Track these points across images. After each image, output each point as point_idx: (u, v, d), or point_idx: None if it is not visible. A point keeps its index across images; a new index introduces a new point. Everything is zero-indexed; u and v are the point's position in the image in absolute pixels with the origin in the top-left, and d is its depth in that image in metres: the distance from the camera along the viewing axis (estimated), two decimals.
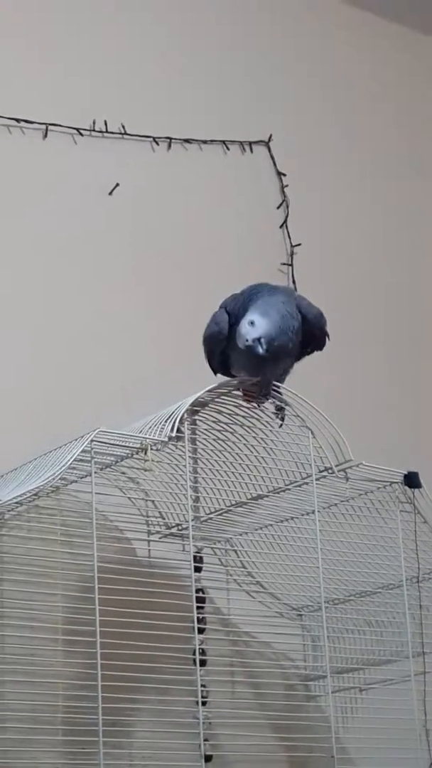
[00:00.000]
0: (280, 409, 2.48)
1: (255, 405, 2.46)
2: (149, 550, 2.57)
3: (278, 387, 2.45)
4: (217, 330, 2.44)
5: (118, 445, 2.29)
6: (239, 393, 2.45)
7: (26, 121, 2.84)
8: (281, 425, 2.47)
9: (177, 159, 3.08)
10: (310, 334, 2.46)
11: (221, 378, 2.49)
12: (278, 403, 2.47)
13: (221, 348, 2.45)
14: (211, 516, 2.55)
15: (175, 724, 2.38)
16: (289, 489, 2.52)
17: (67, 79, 2.95)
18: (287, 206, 3.25)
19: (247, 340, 2.35)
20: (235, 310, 2.43)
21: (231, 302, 2.46)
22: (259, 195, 3.23)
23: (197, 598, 2.35)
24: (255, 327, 2.36)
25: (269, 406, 2.48)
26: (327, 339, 2.50)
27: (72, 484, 2.34)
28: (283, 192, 3.25)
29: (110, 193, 2.95)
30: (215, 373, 2.51)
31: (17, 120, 2.83)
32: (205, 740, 2.29)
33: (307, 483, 2.50)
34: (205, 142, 3.14)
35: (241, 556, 2.69)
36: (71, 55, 2.98)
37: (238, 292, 2.48)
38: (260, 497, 2.53)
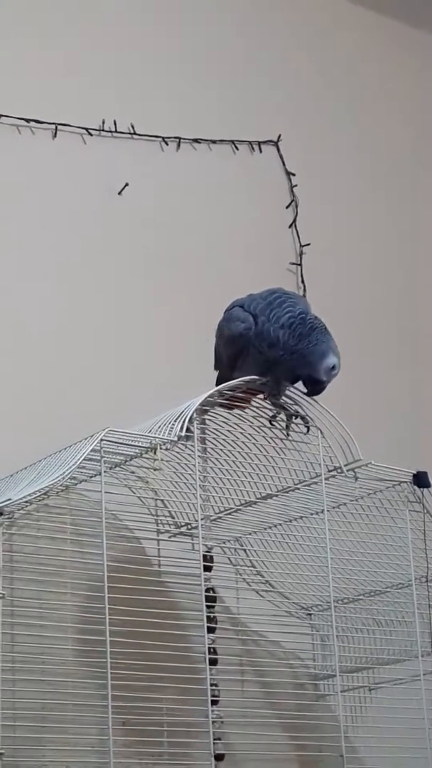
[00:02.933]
0: (290, 417, 2.47)
1: (261, 401, 2.46)
2: (159, 549, 2.57)
3: (289, 388, 2.45)
4: (246, 327, 2.43)
5: (127, 444, 2.30)
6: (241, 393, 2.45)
7: (36, 121, 2.84)
8: (288, 434, 2.48)
9: (186, 159, 3.08)
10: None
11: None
12: (291, 410, 2.47)
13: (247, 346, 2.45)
14: (220, 515, 2.55)
15: (186, 723, 2.38)
16: (298, 488, 2.52)
17: (76, 79, 2.95)
18: (296, 206, 3.25)
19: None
20: (256, 311, 2.43)
21: (249, 302, 2.46)
22: (268, 195, 3.24)
23: (207, 597, 2.35)
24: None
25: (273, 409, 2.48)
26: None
27: (81, 483, 2.35)
28: (292, 192, 3.26)
29: (120, 193, 2.95)
30: (230, 374, 2.48)
31: (27, 120, 2.83)
32: (216, 739, 2.30)
33: (316, 482, 2.50)
34: (214, 141, 3.14)
35: (251, 556, 2.69)
36: (80, 55, 2.98)
37: (254, 294, 2.48)
38: (269, 497, 2.53)
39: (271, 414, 2.47)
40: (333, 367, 2.42)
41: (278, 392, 2.45)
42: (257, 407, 2.48)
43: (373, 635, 2.67)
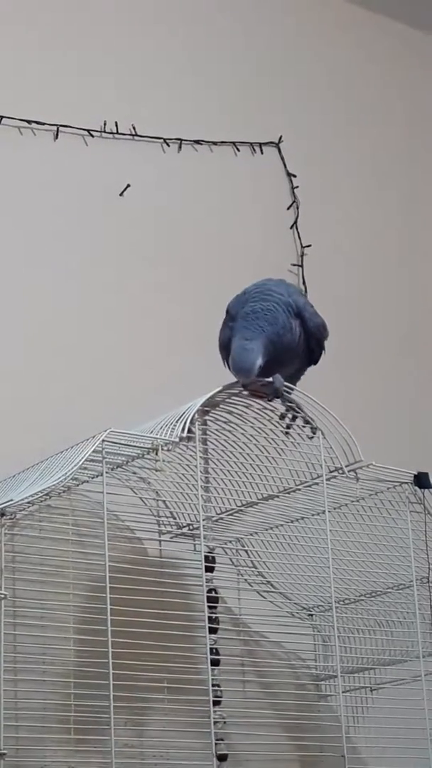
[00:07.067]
0: (295, 418, 2.48)
1: (263, 402, 2.47)
2: (160, 549, 2.58)
3: (290, 388, 2.46)
4: (224, 338, 2.47)
5: (129, 445, 2.30)
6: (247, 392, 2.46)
7: (37, 123, 2.85)
8: (287, 432, 2.48)
9: (187, 160, 3.09)
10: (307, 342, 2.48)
11: (232, 378, 2.49)
12: (294, 412, 2.47)
13: None
14: (222, 516, 2.56)
15: (188, 724, 2.38)
16: (299, 489, 2.52)
17: (77, 80, 2.96)
18: (297, 207, 3.25)
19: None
20: (234, 309, 2.46)
21: (234, 302, 2.48)
22: (270, 196, 3.24)
23: (209, 597, 2.35)
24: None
25: (278, 408, 2.48)
26: (323, 352, 2.51)
27: (83, 484, 2.35)
28: (293, 193, 3.26)
29: (121, 194, 2.96)
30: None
31: (28, 121, 2.84)
32: (219, 740, 2.30)
33: (317, 483, 2.50)
34: (215, 143, 3.14)
35: (252, 556, 2.70)
36: (82, 56, 2.99)
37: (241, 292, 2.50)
38: (271, 497, 2.53)
39: (280, 413, 2.47)
40: None
41: (280, 393, 2.44)
42: (259, 409, 2.48)
43: (374, 636, 2.68)
